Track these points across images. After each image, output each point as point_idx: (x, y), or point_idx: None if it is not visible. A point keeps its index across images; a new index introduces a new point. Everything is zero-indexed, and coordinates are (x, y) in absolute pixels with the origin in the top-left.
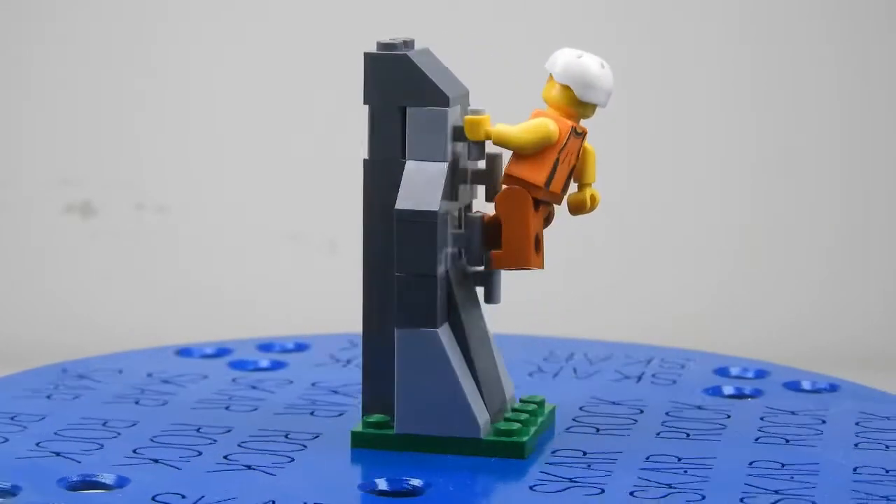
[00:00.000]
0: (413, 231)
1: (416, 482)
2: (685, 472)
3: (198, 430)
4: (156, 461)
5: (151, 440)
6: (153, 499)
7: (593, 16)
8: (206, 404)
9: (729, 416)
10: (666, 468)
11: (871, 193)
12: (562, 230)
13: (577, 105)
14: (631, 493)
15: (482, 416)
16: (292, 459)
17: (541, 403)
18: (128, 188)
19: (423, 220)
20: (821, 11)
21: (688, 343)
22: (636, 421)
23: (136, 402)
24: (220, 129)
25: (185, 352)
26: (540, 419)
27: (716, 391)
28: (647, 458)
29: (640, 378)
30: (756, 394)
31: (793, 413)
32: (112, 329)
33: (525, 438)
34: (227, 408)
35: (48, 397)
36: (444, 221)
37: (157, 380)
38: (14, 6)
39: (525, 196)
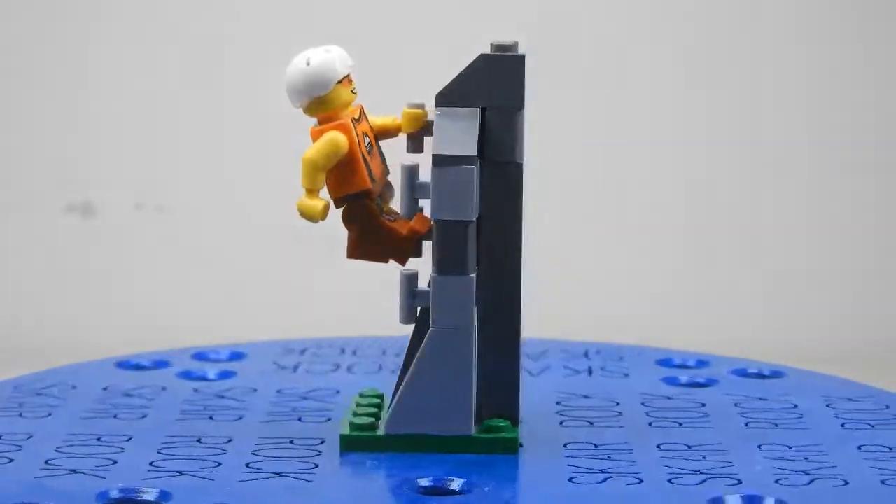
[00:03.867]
0: None
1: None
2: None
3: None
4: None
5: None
6: None
7: (604, 15)
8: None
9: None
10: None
11: (870, 192)
12: (552, 229)
13: (321, 103)
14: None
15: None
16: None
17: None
18: (128, 188)
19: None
20: (819, 13)
21: (682, 343)
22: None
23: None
24: (219, 129)
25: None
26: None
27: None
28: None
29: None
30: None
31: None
32: (112, 329)
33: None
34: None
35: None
36: None
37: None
38: (14, 7)
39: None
